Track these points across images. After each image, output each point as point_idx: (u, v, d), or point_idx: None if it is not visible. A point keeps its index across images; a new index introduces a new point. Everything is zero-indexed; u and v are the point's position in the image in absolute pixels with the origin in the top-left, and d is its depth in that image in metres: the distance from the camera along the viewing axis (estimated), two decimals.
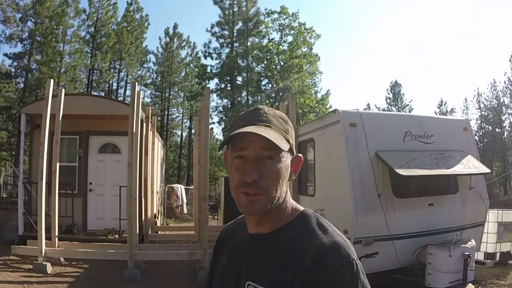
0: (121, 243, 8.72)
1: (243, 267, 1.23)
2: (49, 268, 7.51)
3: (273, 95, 29.25)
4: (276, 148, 1.11)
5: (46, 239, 7.64)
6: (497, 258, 8.21)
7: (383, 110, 42.76)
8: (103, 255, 7.82)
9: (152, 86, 35.44)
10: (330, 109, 29.43)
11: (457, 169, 6.31)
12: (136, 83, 8.69)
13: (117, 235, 10.03)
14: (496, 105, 37.14)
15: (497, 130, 36.87)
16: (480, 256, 7.99)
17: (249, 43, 29.94)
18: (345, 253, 1.08)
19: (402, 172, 5.79)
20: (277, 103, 27.84)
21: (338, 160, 6.37)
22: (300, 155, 1.27)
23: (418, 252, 6.06)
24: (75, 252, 7.92)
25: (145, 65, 35.21)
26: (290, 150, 1.20)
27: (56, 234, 7.99)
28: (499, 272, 7.64)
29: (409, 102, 44.55)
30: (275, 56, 28.72)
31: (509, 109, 36.66)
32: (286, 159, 1.18)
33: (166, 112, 35.69)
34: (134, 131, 7.94)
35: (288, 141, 1.18)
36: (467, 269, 5.63)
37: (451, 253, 5.55)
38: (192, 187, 20.72)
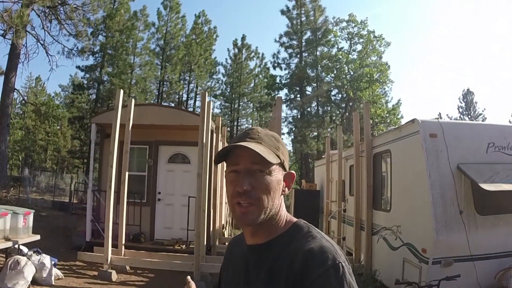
0: (188, 253, 8.74)
1: (242, 275, 1.33)
2: (114, 276, 7.62)
3: (343, 105, 28.68)
4: (265, 161, 1.21)
5: (112, 246, 7.78)
6: None
7: (455, 120, 40.97)
8: (169, 265, 7.83)
9: (221, 97, 36.44)
10: (402, 119, 28.50)
11: None
12: (206, 93, 8.69)
13: (184, 246, 10.08)
14: None
15: None
16: None
17: (318, 53, 29.59)
18: (331, 256, 1.14)
19: (487, 187, 5.30)
20: (347, 114, 27.26)
21: (417, 173, 6.00)
22: (292, 171, 1.36)
23: (500, 274, 5.54)
24: (141, 261, 8.00)
25: (214, 76, 36.37)
26: (282, 166, 1.31)
27: (123, 242, 8.13)
28: None
29: (482, 111, 42.77)
30: (344, 65, 28.17)
31: None
32: (277, 174, 1.28)
33: (235, 123, 36.30)
34: (204, 141, 7.99)
35: (278, 156, 1.28)
36: None
37: None
38: None
